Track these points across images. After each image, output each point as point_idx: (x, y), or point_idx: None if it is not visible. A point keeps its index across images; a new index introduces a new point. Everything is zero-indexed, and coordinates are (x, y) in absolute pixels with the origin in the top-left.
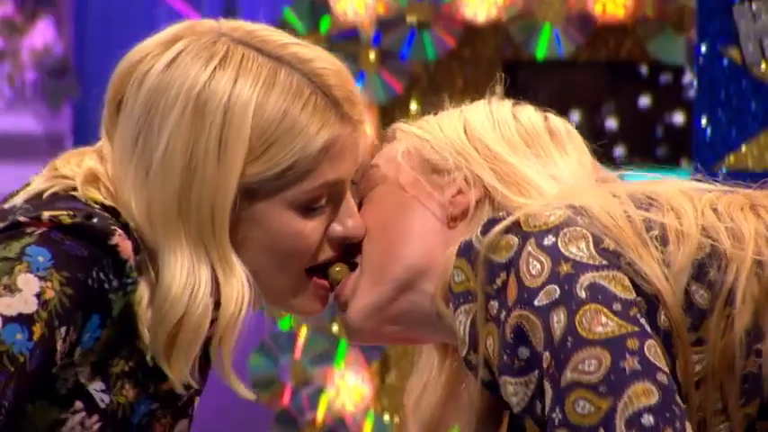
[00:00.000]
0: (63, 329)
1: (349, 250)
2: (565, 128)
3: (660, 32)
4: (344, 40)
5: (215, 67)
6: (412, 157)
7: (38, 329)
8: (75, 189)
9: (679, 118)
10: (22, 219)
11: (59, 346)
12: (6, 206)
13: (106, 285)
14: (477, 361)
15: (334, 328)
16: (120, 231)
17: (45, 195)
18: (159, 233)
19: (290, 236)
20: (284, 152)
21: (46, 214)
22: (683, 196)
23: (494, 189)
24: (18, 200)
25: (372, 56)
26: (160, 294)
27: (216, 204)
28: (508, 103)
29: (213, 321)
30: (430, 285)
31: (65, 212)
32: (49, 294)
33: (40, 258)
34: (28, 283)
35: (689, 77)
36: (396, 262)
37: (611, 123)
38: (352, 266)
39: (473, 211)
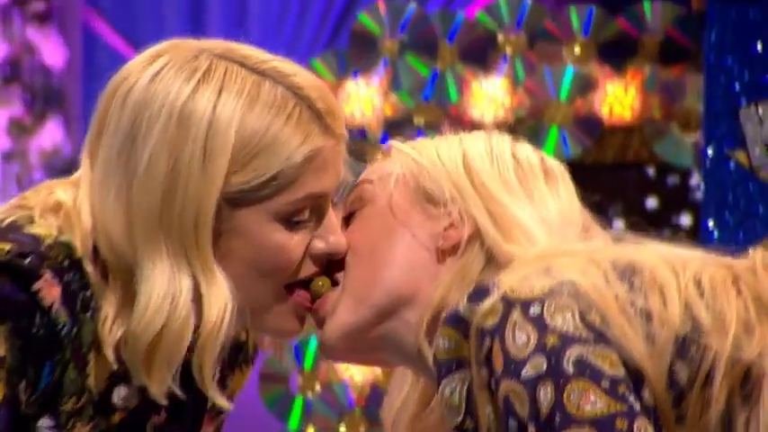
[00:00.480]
0: (23, 384)
1: (331, 266)
2: (559, 170)
3: (667, 134)
4: (353, 140)
5: (199, 80)
6: (407, 182)
7: (1, 390)
8: (28, 219)
9: (686, 220)
10: None
11: (22, 398)
12: None
13: (56, 328)
14: (476, 428)
15: (342, 429)
16: (48, 275)
17: (2, 224)
18: (139, 246)
19: (273, 249)
20: (268, 162)
21: None
22: (666, 267)
23: (485, 231)
24: None
25: (380, 157)
26: (139, 307)
27: (199, 213)
28: (507, 138)
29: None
30: (412, 315)
31: (5, 246)
32: (2, 351)
33: None
34: None
35: (696, 179)
36: (379, 287)
37: (618, 224)
38: (335, 282)
39: (463, 248)
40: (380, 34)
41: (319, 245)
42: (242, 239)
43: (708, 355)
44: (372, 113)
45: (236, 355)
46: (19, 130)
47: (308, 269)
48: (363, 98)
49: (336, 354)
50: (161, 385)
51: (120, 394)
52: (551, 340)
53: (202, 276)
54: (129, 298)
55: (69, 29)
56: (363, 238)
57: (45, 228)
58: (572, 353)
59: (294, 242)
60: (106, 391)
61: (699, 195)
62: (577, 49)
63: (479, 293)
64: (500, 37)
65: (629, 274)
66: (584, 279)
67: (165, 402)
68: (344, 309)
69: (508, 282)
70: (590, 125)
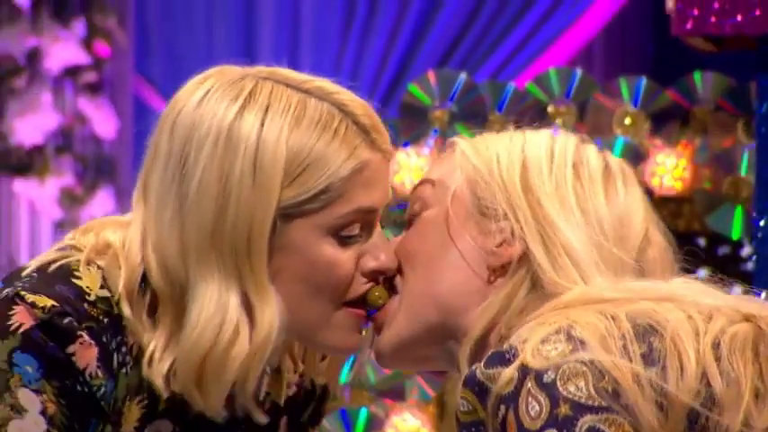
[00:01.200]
0: None
1: (384, 278)
2: (622, 171)
3: (718, 205)
4: (404, 210)
5: (245, 99)
6: (464, 193)
7: None
8: (78, 264)
9: (738, 291)
10: (14, 296)
11: None
12: (22, 270)
13: (93, 389)
14: None
15: None
16: (85, 336)
17: (51, 268)
18: (192, 267)
19: (325, 264)
20: (317, 175)
21: (29, 297)
22: (688, 330)
23: (535, 256)
24: (32, 265)
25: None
26: (188, 327)
27: (252, 230)
28: (572, 142)
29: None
30: (462, 335)
31: (48, 302)
32: (51, 409)
33: (29, 368)
34: (31, 402)
35: (747, 250)
36: (433, 305)
37: None
38: (391, 287)
39: (513, 268)
40: (430, 104)
41: (370, 263)
42: (294, 255)
43: (719, 430)
44: None
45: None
46: (70, 200)
47: (360, 287)
48: (414, 168)
49: (390, 363)
50: (215, 404)
51: (152, 430)
52: (563, 410)
53: (254, 293)
54: (179, 326)
55: (120, 98)
56: (420, 247)
57: (90, 278)
58: (584, 422)
59: (345, 257)
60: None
61: (750, 266)
62: (628, 120)
63: (497, 358)
64: (550, 108)
65: (649, 335)
66: (603, 343)
67: (220, 420)
68: (400, 322)
69: (527, 347)
70: None
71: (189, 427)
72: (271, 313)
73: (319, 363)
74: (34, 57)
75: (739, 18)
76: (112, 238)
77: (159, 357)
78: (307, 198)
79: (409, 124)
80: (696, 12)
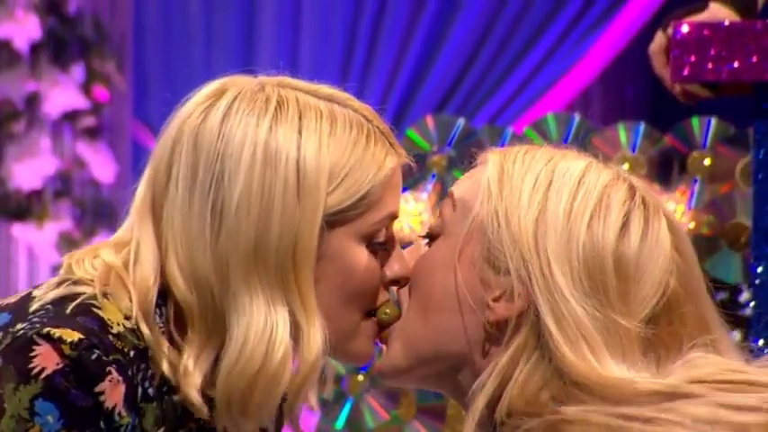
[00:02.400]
0: None
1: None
2: (645, 221)
3: (716, 251)
4: None
5: (275, 109)
6: (479, 230)
7: None
8: (94, 297)
9: (735, 336)
10: (33, 335)
11: None
12: (30, 301)
13: (119, 429)
14: None
15: None
16: (114, 373)
17: (67, 303)
18: (233, 282)
19: (362, 271)
20: (360, 180)
21: (55, 333)
22: None
23: (549, 331)
24: (45, 297)
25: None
26: (234, 344)
27: (299, 241)
28: (597, 189)
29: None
30: (463, 378)
31: (75, 336)
32: None
33: (50, 419)
34: None
35: (745, 296)
36: (427, 343)
37: None
38: (400, 306)
39: (511, 330)
40: (429, 149)
41: (389, 273)
42: (333, 264)
43: None
44: (421, 228)
45: None
46: (69, 244)
47: (382, 296)
48: (412, 213)
49: (390, 383)
50: (256, 424)
51: None
52: None
53: (301, 311)
54: (213, 338)
55: (119, 143)
56: (425, 276)
57: (111, 310)
58: None
59: (375, 266)
60: None
61: (748, 311)
62: (626, 166)
63: None
64: None
65: None
66: None
67: None
68: (396, 350)
69: None
70: None
71: None
72: (320, 331)
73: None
74: (33, 101)
75: (736, 64)
76: (111, 260)
77: (192, 370)
78: (350, 204)
79: (407, 169)
80: (693, 58)
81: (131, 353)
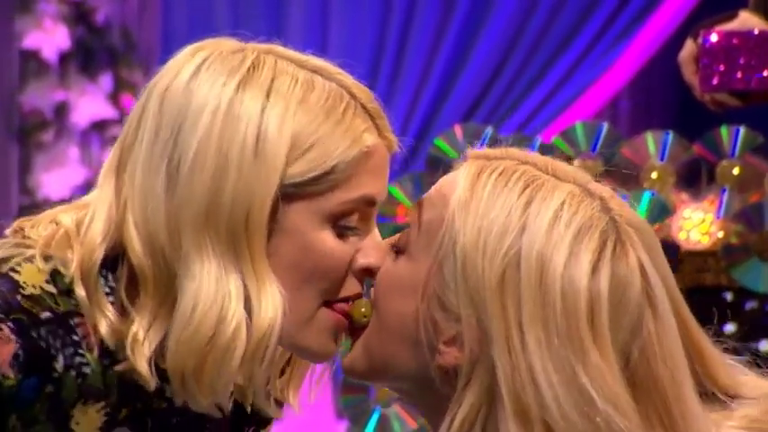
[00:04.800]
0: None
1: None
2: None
3: (745, 260)
4: None
5: (247, 71)
6: (439, 264)
7: None
8: (22, 258)
9: (765, 345)
10: None
11: None
12: None
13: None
14: None
15: None
16: (5, 330)
17: None
18: (184, 243)
19: (320, 253)
20: (325, 154)
21: None
22: None
23: (499, 394)
24: None
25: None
26: (183, 311)
27: (252, 206)
28: (570, 234)
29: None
30: (415, 396)
31: None
32: None
33: None
34: None
35: None
36: (382, 359)
37: None
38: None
39: (462, 380)
40: (456, 158)
41: (361, 260)
42: (289, 239)
43: None
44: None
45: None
46: None
47: (351, 287)
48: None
49: (353, 379)
50: (212, 398)
51: None
52: None
53: (253, 277)
54: (166, 305)
55: None
56: (386, 296)
57: (31, 272)
58: None
59: (341, 250)
60: None
61: None
62: (654, 175)
63: None
64: (576, 162)
65: None
66: None
67: (218, 415)
68: (356, 352)
69: None
70: (667, 250)
71: None
72: (273, 300)
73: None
74: (61, 111)
75: (765, 73)
76: (65, 221)
77: (142, 339)
78: (312, 177)
79: (435, 178)
80: (722, 67)
81: (46, 315)
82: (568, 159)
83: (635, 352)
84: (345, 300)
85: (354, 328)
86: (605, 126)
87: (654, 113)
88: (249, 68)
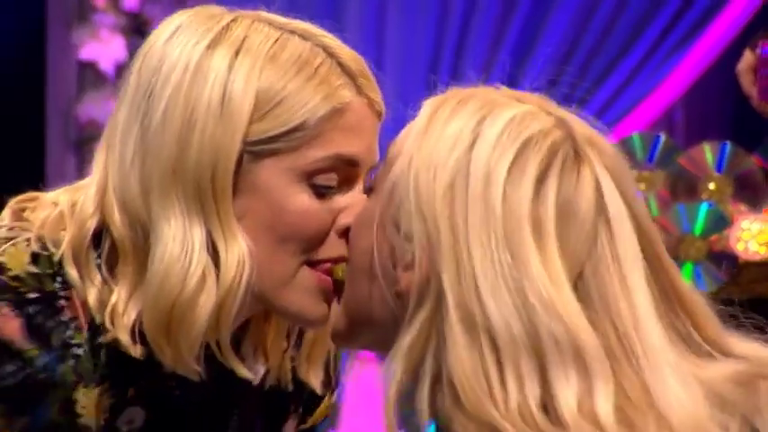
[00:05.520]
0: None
1: None
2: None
3: None
4: None
5: (220, 31)
6: (395, 188)
7: None
8: (20, 242)
9: None
10: None
11: None
12: None
13: (26, 363)
14: None
15: None
16: (4, 308)
17: None
18: (154, 204)
19: (295, 212)
20: (291, 111)
21: None
22: None
23: (446, 306)
24: None
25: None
26: (152, 271)
27: (218, 162)
28: (516, 144)
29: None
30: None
31: None
32: None
33: None
34: None
35: None
36: (354, 302)
37: None
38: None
39: (413, 301)
40: None
41: (342, 221)
42: (262, 198)
43: None
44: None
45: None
46: None
47: (334, 248)
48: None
49: (339, 347)
50: (186, 357)
51: (124, 419)
52: None
53: (220, 233)
54: (142, 273)
55: None
56: (352, 235)
57: (13, 255)
58: None
59: (318, 209)
60: (110, 422)
61: None
62: (712, 186)
63: None
64: (633, 173)
65: None
66: None
67: (197, 379)
68: (336, 312)
69: None
70: (725, 261)
71: (164, 414)
72: (238, 252)
73: (291, 352)
74: None
75: None
76: (62, 201)
77: (123, 309)
78: (278, 134)
79: None
80: None
81: (33, 295)
82: None
83: (588, 267)
84: (330, 261)
85: (339, 291)
86: (662, 137)
87: (711, 124)
88: (222, 28)
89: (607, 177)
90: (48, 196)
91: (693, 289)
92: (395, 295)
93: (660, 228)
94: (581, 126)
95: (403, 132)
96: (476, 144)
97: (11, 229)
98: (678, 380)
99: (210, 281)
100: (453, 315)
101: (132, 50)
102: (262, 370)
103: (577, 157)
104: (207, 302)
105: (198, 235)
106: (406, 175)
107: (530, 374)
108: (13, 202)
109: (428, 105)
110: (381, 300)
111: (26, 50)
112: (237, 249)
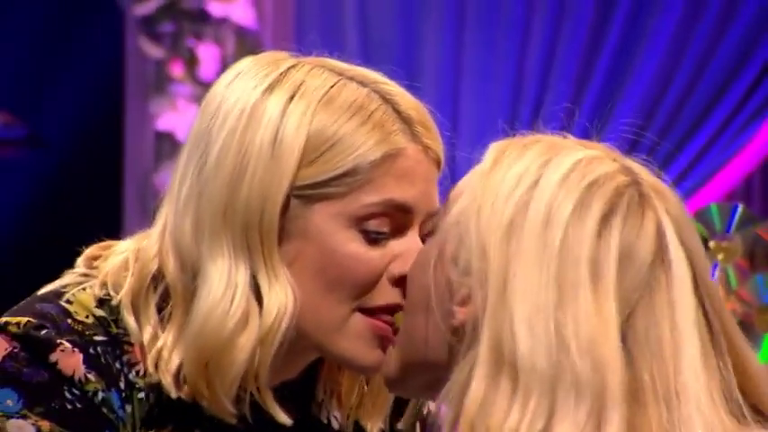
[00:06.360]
0: None
1: None
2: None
3: None
4: None
5: (278, 76)
6: (456, 226)
7: None
8: (87, 288)
9: None
10: None
11: None
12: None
13: (88, 395)
14: None
15: None
16: (67, 345)
17: (40, 295)
18: (203, 246)
19: (345, 258)
20: (342, 155)
21: (3, 320)
22: None
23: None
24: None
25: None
26: (195, 312)
27: (265, 206)
28: (581, 187)
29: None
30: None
31: (23, 319)
32: (46, 427)
33: (9, 402)
34: (21, 429)
35: None
36: (408, 345)
37: None
38: None
39: (468, 336)
40: None
41: (396, 269)
42: (312, 243)
43: None
44: None
45: None
46: None
47: (387, 295)
48: None
49: (393, 392)
50: (222, 400)
51: None
52: None
53: (263, 274)
54: (190, 316)
55: None
56: (410, 276)
57: (81, 301)
58: None
59: (370, 256)
60: None
61: None
62: None
63: None
64: (711, 243)
65: None
66: None
67: (233, 421)
68: (389, 357)
69: None
70: None
71: None
72: (281, 296)
73: (354, 397)
74: None
75: None
76: (129, 247)
77: (168, 354)
78: (329, 178)
79: None
80: None
81: (98, 338)
82: (704, 241)
83: (639, 309)
84: (385, 308)
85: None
86: (740, 207)
87: None
88: (281, 74)
89: (670, 224)
90: (120, 244)
91: (753, 352)
92: (451, 330)
93: (739, 299)
94: (646, 173)
95: (467, 176)
96: (539, 183)
97: (81, 275)
98: None
99: (252, 323)
100: (484, 344)
101: None
102: (339, 416)
103: (642, 201)
104: (246, 344)
105: (242, 277)
106: (468, 211)
107: (537, 408)
108: (88, 250)
109: (494, 148)
110: (436, 335)
111: (104, 120)
112: (280, 293)
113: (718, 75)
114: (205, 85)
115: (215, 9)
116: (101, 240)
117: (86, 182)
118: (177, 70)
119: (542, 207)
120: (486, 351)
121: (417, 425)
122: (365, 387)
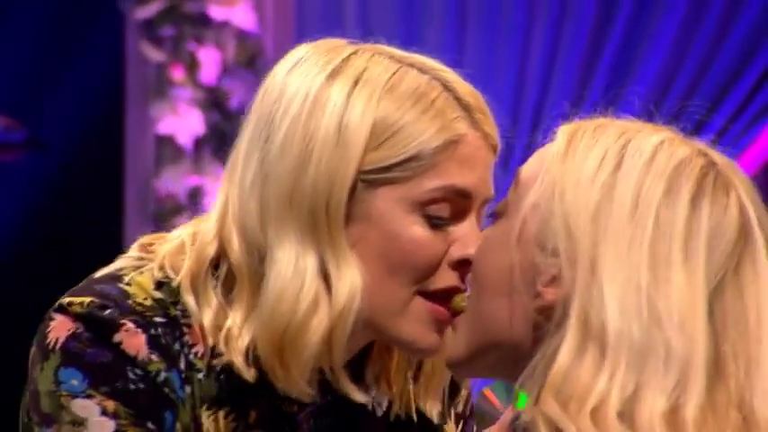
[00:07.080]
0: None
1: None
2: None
3: None
4: None
5: (340, 63)
6: (536, 208)
7: None
8: (144, 271)
9: None
10: (51, 311)
11: None
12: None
13: (151, 375)
14: None
15: None
16: (130, 325)
17: (98, 276)
18: (270, 228)
19: (408, 241)
20: (407, 141)
21: (65, 300)
22: None
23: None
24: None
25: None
26: (265, 295)
27: (332, 191)
28: (668, 170)
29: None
30: (513, 369)
31: (86, 299)
32: (111, 406)
33: (75, 382)
34: (86, 409)
35: None
36: (481, 326)
37: None
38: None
39: (557, 317)
40: None
41: (457, 252)
42: (375, 227)
43: None
44: None
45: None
46: None
47: (446, 278)
48: None
49: (455, 373)
50: (297, 381)
51: None
52: None
53: (332, 258)
54: (257, 298)
55: None
56: (481, 258)
57: (139, 283)
58: None
59: (431, 240)
60: None
61: None
62: None
63: None
64: None
65: None
66: None
67: (309, 401)
68: (455, 339)
69: None
70: None
71: None
72: (351, 279)
73: (410, 382)
74: (195, 196)
75: None
76: (186, 231)
77: (237, 333)
78: (393, 163)
79: None
80: None
81: (157, 319)
82: None
83: (728, 286)
84: (443, 291)
85: (454, 320)
86: None
87: None
88: (343, 60)
89: (750, 204)
90: (172, 232)
91: None
92: (538, 310)
93: None
94: (718, 155)
95: (535, 157)
96: (622, 167)
97: (137, 258)
98: None
99: (323, 306)
100: (573, 321)
101: (209, 124)
102: (386, 400)
103: (724, 181)
104: (318, 327)
105: (311, 260)
106: (548, 194)
107: (625, 377)
108: (141, 239)
109: (563, 131)
110: (522, 316)
111: (105, 124)
112: (350, 276)
113: (721, 77)
114: (206, 89)
115: (216, 13)
116: (101, 243)
117: (87, 185)
118: (178, 74)
119: (630, 190)
120: (574, 327)
121: (452, 411)
122: (414, 371)
